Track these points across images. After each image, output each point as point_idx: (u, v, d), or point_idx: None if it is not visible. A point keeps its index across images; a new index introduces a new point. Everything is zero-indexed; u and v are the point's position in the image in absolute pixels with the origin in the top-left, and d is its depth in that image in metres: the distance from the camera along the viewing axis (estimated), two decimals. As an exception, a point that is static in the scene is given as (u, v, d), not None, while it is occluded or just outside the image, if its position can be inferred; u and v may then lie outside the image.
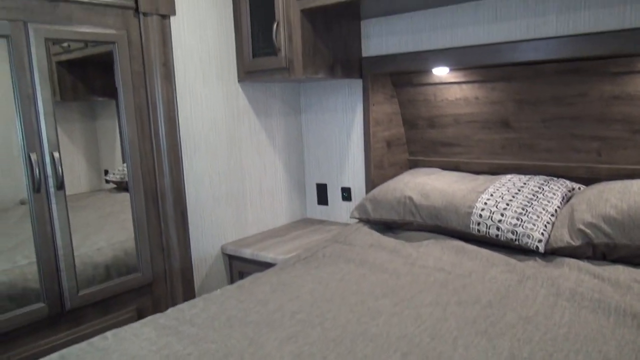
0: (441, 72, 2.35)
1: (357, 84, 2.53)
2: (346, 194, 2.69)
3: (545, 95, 2.14)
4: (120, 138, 2.01)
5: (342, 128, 2.64)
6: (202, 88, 2.27)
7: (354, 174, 2.64)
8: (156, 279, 2.12)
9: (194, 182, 2.29)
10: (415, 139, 2.61)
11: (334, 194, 2.75)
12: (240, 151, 2.49)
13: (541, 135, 2.21)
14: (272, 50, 2.21)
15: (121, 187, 2.07)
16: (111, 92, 1.97)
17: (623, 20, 1.79)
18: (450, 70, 2.32)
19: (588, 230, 1.70)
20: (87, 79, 1.97)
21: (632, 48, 1.77)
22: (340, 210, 2.74)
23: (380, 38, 2.41)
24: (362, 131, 2.56)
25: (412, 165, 2.66)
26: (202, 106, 2.29)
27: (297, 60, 2.15)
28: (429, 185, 2.15)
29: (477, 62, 2.12)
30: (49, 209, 1.77)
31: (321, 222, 2.77)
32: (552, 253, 1.78)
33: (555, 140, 2.18)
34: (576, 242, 1.71)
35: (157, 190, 2.09)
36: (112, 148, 2.08)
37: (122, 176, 2.06)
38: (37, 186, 1.72)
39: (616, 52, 1.81)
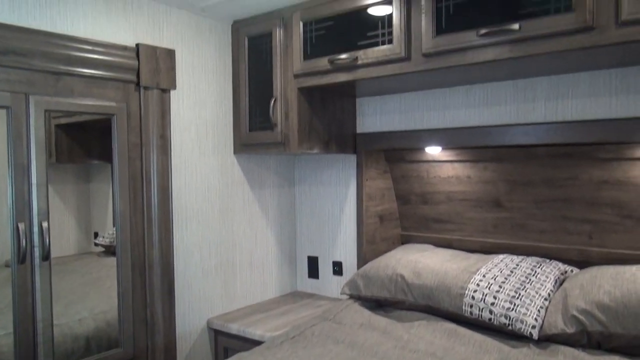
0: (434, 150, 2.39)
1: (351, 159, 2.57)
2: (337, 268, 2.66)
3: (537, 177, 2.17)
4: (112, 205, 2.01)
5: (335, 201, 2.65)
6: (197, 159, 2.30)
7: (345, 248, 2.62)
8: (137, 354, 2.04)
9: (184, 254, 2.25)
10: (408, 214, 2.62)
11: (325, 268, 2.71)
12: (233, 222, 2.48)
13: (533, 216, 2.22)
14: (269, 125, 2.26)
15: (110, 251, 2.04)
16: (107, 156, 1.99)
17: (609, 110, 1.85)
18: (443, 149, 2.37)
19: (582, 317, 1.67)
20: (84, 142, 1.99)
21: (618, 136, 1.82)
22: (330, 285, 2.70)
23: (375, 116, 2.47)
24: (355, 205, 2.57)
25: (405, 240, 2.65)
26: (197, 177, 2.30)
27: (293, 136, 2.19)
28: (421, 263, 2.13)
29: (468, 143, 2.16)
30: (32, 280, 1.73)
31: (311, 296, 2.71)
32: (546, 340, 1.73)
33: (548, 221, 2.19)
34: (570, 329, 1.67)
35: (145, 262, 2.05)
36: (104, 211, 2.07)
37: (112, 240, 2.03)
38: (22, 257, 1.69)
39: (603, 140, 1.85)
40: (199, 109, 2.29)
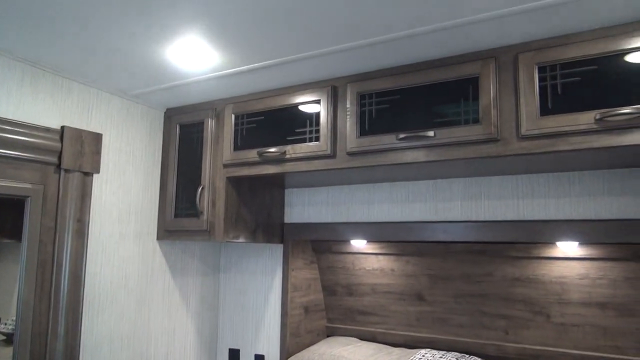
0: (359, 243, 2.44)
1: (278, 248, 2.56)
2: (260, 362, 2.55)
3: (456, 272, 2.25)
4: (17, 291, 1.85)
5: (260, 291, 2.59)
6: (117, 245, 2.20)
7: (269, 341, 2.54)
8: None
9: (92, 347, 2.09)
10: (333, 305, 2.60)
11: (247, 362, 2.59)
12: (150, 312, 2.34)
13: (453, 310, 2.27)
14: (195, 212, 2.23)
15: (11, 339, 1.85)
16: (20, 236, 1.86)
17: (517, 212, 1.99)
18: (368, 242, 2.42)
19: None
20: (-4, 218, 1.87)
21: (526, 237, 1.95)
22: (252, 380, 2.57)
23: (303, 207, 2.51)
24: (280, 296, 2.52)
25: (330, 332, 2.60)
26: (115, 263, 2.19)
27: (219, 225, 2.17)
28: (344, 359, 2.09)
29: (391, 238, 2.23)
30: None
31: (231, 392, 2.56)
32: None
33: (467, 316, 2.24)
34: None
35: (45, 355, 1.88)
36: (10, 294, 1.90)
37: (14, 328, 1.85)
38: None
39: (513, 239, 1.97)
40: (123, 194, 2.24)
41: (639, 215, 1.77)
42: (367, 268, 2.47)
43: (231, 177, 2.19)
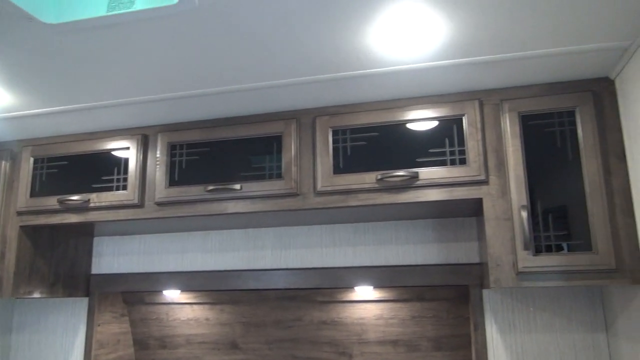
0: (173, 293, 2.38)
1: (83, 302, 2.36)
2: None
3: (269, 319, 2.31)
4: None
5: (59, 352, 2.35)
6: None
7: (68, 406, 2.30)
8: None
9: None
10: (145, 360, 2.46)
11: None
12: None
13: (266, 356, 2.32)
14: (-22, 266, 1.97)
15: None
16: None
17: (322, 260, 2.14)
18: (182, 291, 2.37)
19: None
20: None
21: (330, 282, 2.10)
22: None
23: (113, 257, 2.38)
24: (82, 355, 2.32)
25: (141, 390, 2.45)
26: None
27: (8, 279, 1.94)
28: (150, 419, 1.98)
29: (205, 287, 2.22)
30: None
31: None
32: None
33: (279, 361, 2.31)
34: None
35: None
36: None
37: None
38: None
39: (318, 285, 2.11)
40: None
41: (418, 261, 2.03)
42: (182, 318, 2.41)
43: (26, 226, 1.99)
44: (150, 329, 2.45)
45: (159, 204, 1.85)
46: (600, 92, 1.60)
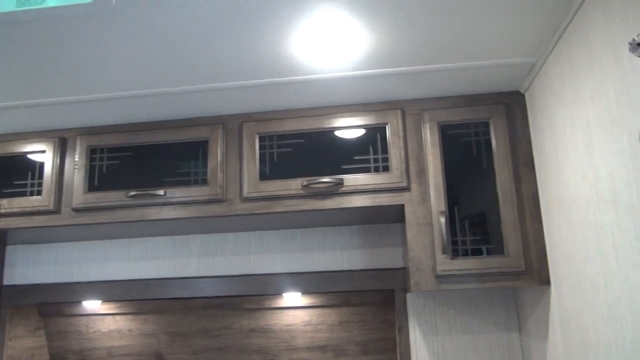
0: (93, 304, 2.27)
1: (-7, 315, 2.21)
2: None
3: (195, 328, 2.26)
4: None
5: (-35, 369, 2.19)
6: None
7: None
8: None
9: None
10: (62, 376, 2.34)
11: None
12: None
13: (192, 367, 2.27)
14: None
15: None
16: None
17: (249, 267, 2.13)
18: (103, 302, 2.27)
19: None
20: None
21: (258, 289, 2.09)
22: None
23: (27, 267, 2.25)
24: (-9, 373, 2.17)
25: (57, 407, 2.32)
26: None
27: None
28: None
29: (128, 296, 2.14)
30: None
31: None
32: None
33: (205, 371, 2.26)
34: None
35: None
36: None
37: None
38: None
39: (245, 293, 2.09)
40: None
41: (345, 267, 2.06)
42: (103, 330, 2.31)
43: None
44: (69, 342, 2.33)
45: (77, 210, 1.77)
46: (512, 105, 1.70)
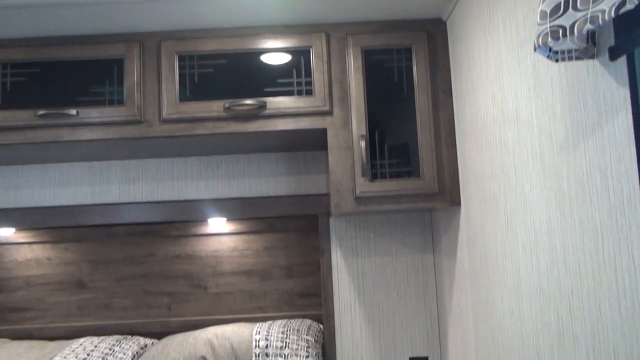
0: (6, 232, 2.18)
1: None
2: None
3: (119, 256, 2.23)
4: None
5: None
6: None
7: None
8: None
9: None
10: (-23, 306, 2.25)
11: None
12: None
13: (116, 294, 2.25)
14: None
15: None
16: None
17: (173, 193, 2.10)
18: (17, 230, 2.18)
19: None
20: None
21: (182, 216, 2.07)
22: None
23: None
24: None
25: (-27, 338, 2.25)
26: None
27: None
28: (-19, 364, 1.84)
29: (45, 224, 2.07)
30: None
31: None
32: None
33: (130, 298, 2.25)
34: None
35: None
36: None
37: None
38: None
39: (170, 219, 2.08)
40: None
41: (270, 193, 2.08)
42: (19, 259, 2.23)
43: None
44: (-18, 272, 2.24)
45: (-20, 130, 1.65)
46: (434, 32, 1.73)
